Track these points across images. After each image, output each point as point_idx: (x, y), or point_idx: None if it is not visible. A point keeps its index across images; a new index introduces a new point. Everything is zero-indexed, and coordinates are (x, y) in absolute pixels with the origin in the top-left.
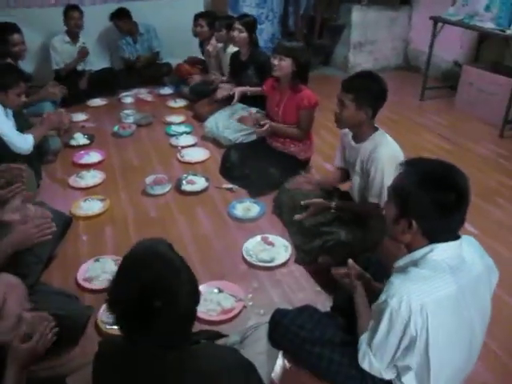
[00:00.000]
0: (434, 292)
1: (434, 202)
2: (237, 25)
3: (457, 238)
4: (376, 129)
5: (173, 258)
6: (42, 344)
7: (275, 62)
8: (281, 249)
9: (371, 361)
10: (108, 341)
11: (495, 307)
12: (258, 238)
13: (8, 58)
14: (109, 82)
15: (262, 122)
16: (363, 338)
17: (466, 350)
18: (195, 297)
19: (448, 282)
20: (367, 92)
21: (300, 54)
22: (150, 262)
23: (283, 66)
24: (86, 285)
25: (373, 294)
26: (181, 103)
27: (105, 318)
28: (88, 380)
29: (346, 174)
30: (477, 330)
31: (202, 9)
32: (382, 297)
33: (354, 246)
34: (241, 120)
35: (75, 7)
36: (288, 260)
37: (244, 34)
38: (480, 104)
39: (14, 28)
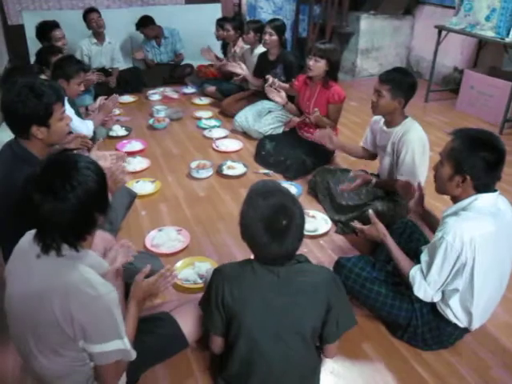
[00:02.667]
0: (480, 229)
1: (483, 159)
2: (268, 28)
3: (495, 191)
4: (406, 116)
5: (287, 190)
6: (161, 283)
7: (310, 62)
8: (321, 221)
9: (426, 290)
10: (226, 266)
11: None
12: None
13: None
14: (134, 81)
15: (315, 110)
16: (415, 273)
17: (498, 280)
18: (304, 217)
19: (490, 223)
20: (401, 84)
21: (333, 55)
22: (274, 193)
23: (318, 66)
24: (155, 250)
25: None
26: (206, 101)
27: (180, 276)
28: (189, 311)
29: (368, 154)
30: (506, 266)
31: (219, 14)
32: (438, 234)
33: (388, 215)
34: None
35: (92, 9)
36: (329, 230)
37: (275, 37)
38: (480, 105)
39: (55, 24)
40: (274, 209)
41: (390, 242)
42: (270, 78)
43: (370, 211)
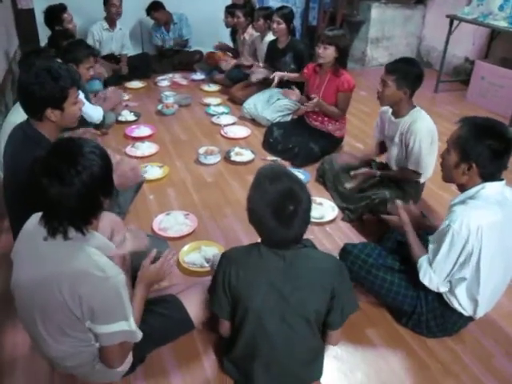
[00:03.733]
0: (487, 217)
1: (490, 148)
2: (276, 17)
3: (501, 180)
4: (414, 106)
5: (294, 175)
6: (166, 267)
7: (320, 50)
8: (328, 209)
9: (431, 277)
10: (233, 250)
11: None
12: None
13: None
14: (143, 67)
15: (312, 96)
16: (423, 260)
17: (503, 269)
18: (311, 201)
19: (497, 212)
20: (407, 74)
21: (342, 41)
22: (282, 178)
23: (327, 54)
24: (163, 233)
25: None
26: (214, 87)
27: (186, 259)
28: (195, 293)
29: (382, 147)
30: (511, 254)
31: (229, 0)
32: (446, 222)
33: None
34: (285, 93)
35: None
36: (335, 218)
37: (283, 25)
38: (490, 96)
39: (63, 7)
40: (282, 194)
41: (410, 230)
42: (276, 78)
43: (398, 201)
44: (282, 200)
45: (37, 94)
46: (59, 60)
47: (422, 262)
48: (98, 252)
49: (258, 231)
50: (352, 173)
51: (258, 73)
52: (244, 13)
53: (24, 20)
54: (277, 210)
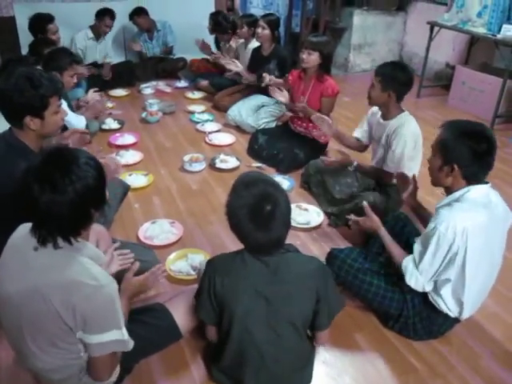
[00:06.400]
0: (473, 219)
1: (471, 149)
2: (261, 22)
3: (486, 183)
4: (402, 110)
5: (270, 179)
6: (151, 281)
7: (304, 56)
8: (314, 214)
9: (417, 278)
10: (217, 257)
11: None
12: (293, 205)
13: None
14: (127, 75)
15: (301, 99)
16: (407, 262)
17: (488, 270)
18: (289, 204)
19: (482, 214)
20: (392, 78)
21: (325, 47)
22: (257, 182)
23: (311, 59)
24: (149, 242)
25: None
26: (199, 95)
27: (173, 267)
28: (182, 301)
29: (359, 145)
30: (496, 256)
31: (212, 7)
32: (431, 225)
33: (380, 207)
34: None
35: (111, 13)
36: (321, 223)
37: (267, 31)
38: (471, 101)
39: (50, 18)
40: (257, 196)
41: (384, 233)
42: (267, 77)
43: (365, 203)
44: (257, 202)
45: (15, 100)
46: (40, 68)
47: (407, 265)
48: (90, 261)
49: (239, 237)
50: (324, 159)
51: (235, 65)
52: (223, 31)
53: (4, 28)
54: (253, 212)
